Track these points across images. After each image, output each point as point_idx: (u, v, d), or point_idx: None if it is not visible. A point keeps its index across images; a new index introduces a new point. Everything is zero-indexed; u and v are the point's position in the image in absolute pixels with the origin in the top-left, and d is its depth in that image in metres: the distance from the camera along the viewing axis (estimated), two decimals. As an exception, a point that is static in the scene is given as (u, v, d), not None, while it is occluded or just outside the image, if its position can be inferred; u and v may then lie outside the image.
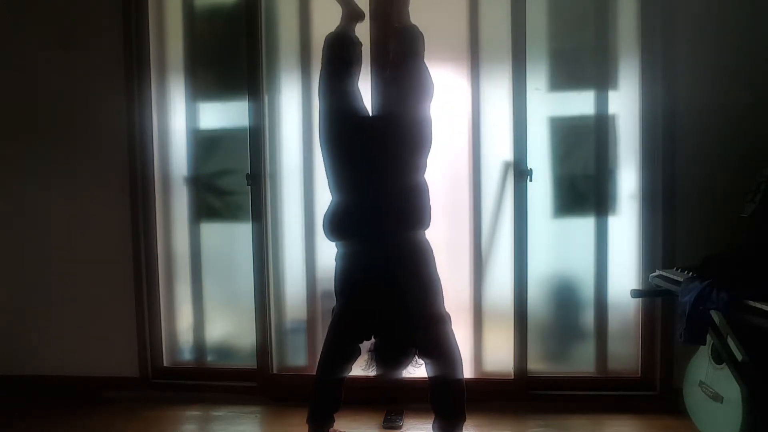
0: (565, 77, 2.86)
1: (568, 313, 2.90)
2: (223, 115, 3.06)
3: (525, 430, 2.58)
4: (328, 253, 2.40)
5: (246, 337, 3.00)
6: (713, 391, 2.16)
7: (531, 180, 2.76)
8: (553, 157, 2.84)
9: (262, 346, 2.93)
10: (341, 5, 2.50)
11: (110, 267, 2.98)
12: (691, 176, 2.64)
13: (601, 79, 2.80)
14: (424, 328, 2.17)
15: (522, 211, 2.76)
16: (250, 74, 2.86)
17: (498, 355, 2.85)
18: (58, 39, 2.95)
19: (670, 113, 2.65)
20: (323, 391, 2.33)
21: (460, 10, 2.81)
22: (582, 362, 2.87)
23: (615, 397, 2.76)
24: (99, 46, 2.93)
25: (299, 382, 2.87)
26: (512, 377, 2.81)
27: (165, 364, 3.06)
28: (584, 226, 2.83)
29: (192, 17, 3.01)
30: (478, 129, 2.82)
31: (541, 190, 2.81)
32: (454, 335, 2.23)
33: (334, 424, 2.39)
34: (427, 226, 2.28)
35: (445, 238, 2.82)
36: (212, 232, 3.08)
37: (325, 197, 2.34)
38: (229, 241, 3.08)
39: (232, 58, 2.95)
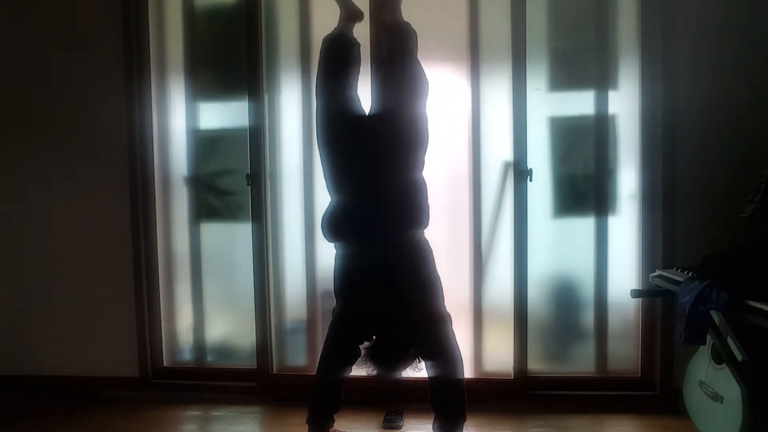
0: (565, 77, 2.86)
1: (568, 313, 2.90)
2: (223, 115, 3.06)
3: (525, 430, 2.58)
4: (328, 253, 2.40)
5: (246, 337, 3.00)
6: (713, 391, 2.16)
7: (531, 180, 2.76)
8: (553, 157, 2.84)
9: (262, 346, 2.93)
10: (339, 5, 2.50)
11: (110, 267, 2.98)
12: (691, 176, 2.64)
13: (601, 79, 2.80)
14: (425, 328, 2.17)
15: (522, 211, 2.76)
16: (250, 74, 2.86)
17: (498, 355, 2.85)
18: (58, 39, 2.95)
19: (670, 113, 2.65)
20: (323, 392, 2.33)
21: (460, 9, 2.81)
22: (582, 362, 2.87)
23: (615, 397, 2.75)
24: (99, 46, 2.93)
25: (299, 382, 2.87)
26: (512, 377, 2.81)
27: (165, 364, 3.06)
28: (584, 226, 2.83)
29: (192, 17, 3.01)
30: (478, 129, 2.82)
31: (541, 190, 2.81)
32: (454, 335, 2.23)
33: (334, 424, 2.39)
34: (426, 225, 2.28)
35: (445, 238, 2.82)
36: (212, 232, 3.08)
37: (325, 197, 2.34)
38: (229, 241, 3.08)
39: (232, 58, 2.95)
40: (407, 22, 2.46)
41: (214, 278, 3.07)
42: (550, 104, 2.84)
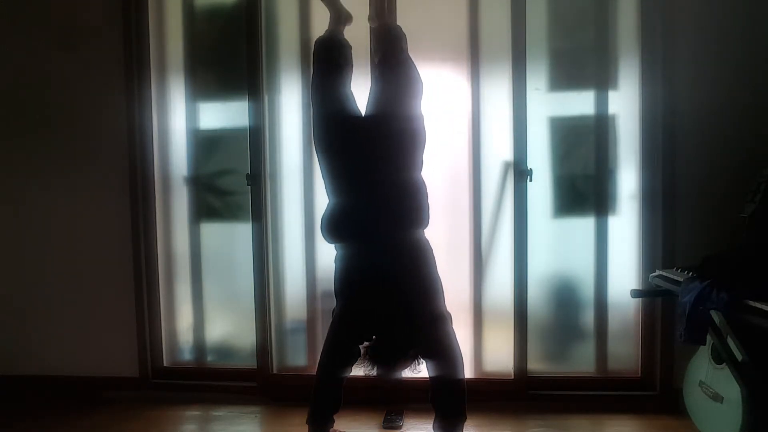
0: (565, 77, 2.86)
1: (568, 313, 2.90)
2: (223, 115, 3.06)
3: (525, 430, 2.58)
4: (328, 253, 2.40)
5: (246, 337, 3.00)
6: (713, 391, 2.16)
7: (531, 180, 2.76)
8: (553, 157, 2.84)
9: (262, 346, 2.93)
10: (328, 8, 2.51)
11: (110, 267, 2.98)
12: (691, 176, 2.64)
13: (601, 79, 2.80)
14: (425, 328, 2.17)
15: (522, 211, 2.76)
16: (250, 74, 2.86)
17: (498, 355, 2.85)
18: (58, 39, 2.95)
19: (670, 113, 2.65)
20: (323, 392, 2.33)
21: (460, 9, 2.81)
22: (582, 362, 2.87)
23: (615, 397, 2.75)
24: (99, 46, 2.93)
25: (299, 382, 2.87)
26: (512, 377, 2.81)
27: (165, 364, 3.06)
28: (584, 226, 2.83)
29: (192, 17, 3.01)
30: (478, 129, 2.82)
31: (541, 190, 2.81)
32: (455, 334, 2.23)
33: (334, 424, 2.39)
34: (426, 224, 2.28)
35: (445, 238, 2.82)
36: (212, 232, 3.08)
37: (325, 197, 2.33)
38: (229, 241, 3.08)
39: (232, 58, 2.95)
40: (398, 25, 2.46)
41: (214, 278, 3.07)
42: (550, 104, 2.84)
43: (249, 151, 2.89)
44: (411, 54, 2.41)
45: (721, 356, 2.12)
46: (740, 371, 2.05)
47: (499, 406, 2.75)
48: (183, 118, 3.02)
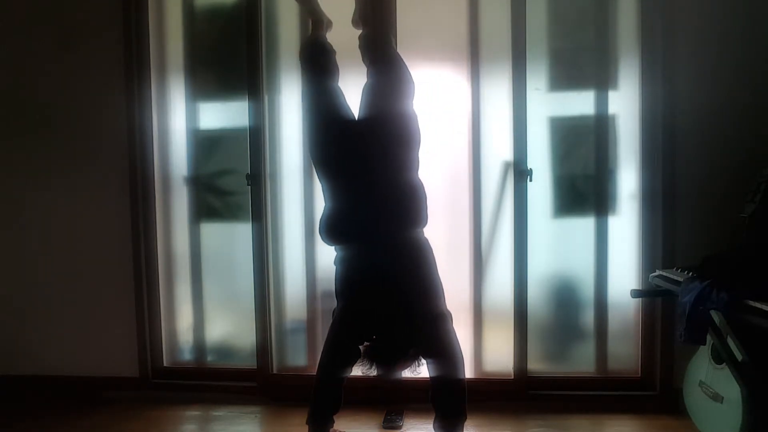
0: (565, 77, 2.86)
1: (568, 313, 2.90)
2: (223, 115, 3.06)
3: (525, 430, 2.58)
4: (328, 253, 2.40)
5: (246, 337, 3.00)
6: (713, 391, 2.16)
7: (531, 180, 2.76)
8: (553, 157, 2.84)
9: (262, 346, 2.93)
10: (307, 14, 2.52)
11: (110, 267, 2.98)
12: (691, 176, 2.64)
13: (601, 79, 2.80)
14: (425, 327, 2.17)
15: (522, 211, 2.76)
16: (250, 74, 2.86)
17: (498, 355, 2.85)
18: (58, 39, 2.95)
19: (670, 113, 2.65)
20: (323, 392, 2.32)
21: (460, 10, 2.81)
22: (582, 362, 2.87)
23: (615, 397, 2.76)
24: (99, 46, 2.93)
25: (299, 382, 2.87)
26: (512, 377, 2.81)
27: (165, 364, 3.06)
28: (584, 226, 2.83)
29: (192, 17, 3.01)
30: (478, 129, 2.82)
31: (541, 190, 2.81)
32: (455, 334, 2.23)
33: (334, 424, 2.39)
34: (425, 223, 2.27)
35: (445, 238, 2.82)
36: (212, 232, 3.08)
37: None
38: (229, 241, 3.08)
39: (232, 58, 2.95)
40: (384, 27, 2.46)
41: (214, 278, 3.07)
42: (550, 104, 2.84)
43: (249, 151, 2.89)
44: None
45: (721, 356, 2.12)
46: (740, 371, 2.05)
47: (499, 406, 2.75)
48: (183, 118, 3.03)
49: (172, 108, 3.03)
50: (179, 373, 3.05)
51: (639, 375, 2.80)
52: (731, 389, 2.06)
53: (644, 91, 2.72)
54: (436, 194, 2.81)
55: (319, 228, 2.31)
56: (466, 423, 2.24)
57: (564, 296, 2.89)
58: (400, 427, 2.61)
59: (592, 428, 2.60)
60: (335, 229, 2.26)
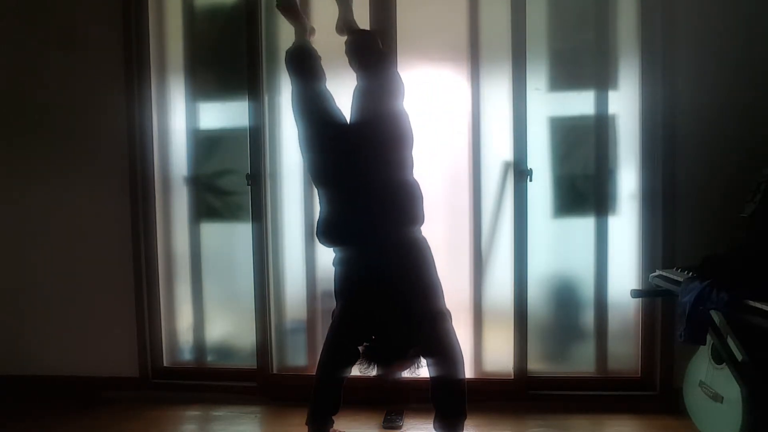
0: (565, 77, 2.86)
1: (568, 313, 2.90)
2: (223, 115, 3.06)
3: (525, 430, 2.58)
4: (327, 252, 2.40)
5: (246, 337, 3.00)
6: (713, 391, 2.16)
7: (531, 180, 2.76)
8: (553, 157, 2.84)
9: (262, 346, 2.93)
10: (291, 23, 2.55)
11: (110, 267, 2.98)
12: (691, 176, 2.64)
13: (601, 79, 2.80)
14: (425, 326, 2.17)
15: (522, 211, 2.76)
16: (250, 74, 2.86)
17: (498, 355, 2.85)
18: (58, 39, 2.95)
19: (670, 113, 2.65)
20: (323, 393, 2.33)
21: (460, 10, 2.81)
22: (582, 362, 2.87)
23: (615, 397, 2.75)
24: (99, 46, 2.93)
25: (299, 382, 2.87)
26: (512, 377, 2.81)
27: (165, 364, 3.06)
28: (584, 226, 2.83)
29: (192, 17, 3.01)
30: (478, 129, 2.82)
31: (541, 190, 2.81)
32: (454, 332, 2.23)
33: (334, 424, 2.39)
34: (421, 222, 2.28)
35: (445, 238, 2.83)
36: (212, 232, 3.08)
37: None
38: (229, 241, 3.08)
39: (232, 58, 2.95)
40: (368, 30, 2.49)
41: (214, 278, 3.07)
42: (550, 104, 2.84)
43: (249, 151, 2.89)
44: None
45: (721, 356, 2.12)
46: (740, 371, 2.05)
47: (499, 406, 2.75)
48: (183, 118, 3.03)
49: (172, 108, 3.03)
50: (179, 373, 3.05)
51: (639, 375, 2.80)
52: (731, 389, 2.06)
53: (644, 91, 2.72)
54: (436, 194, 2.82)
55: (317, 231, 2.32)
56: (466, 422, 2.24)
57: (564, 296, 2.89)
58: (400, 427, 2.61)
59: (592, 428, 2.60)
60: (332, 232, 2.26)
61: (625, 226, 2.80)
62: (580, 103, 2.83)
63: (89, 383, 3.02)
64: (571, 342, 2.90)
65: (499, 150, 2.80)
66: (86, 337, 3.03)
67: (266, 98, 2.89)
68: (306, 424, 2.35)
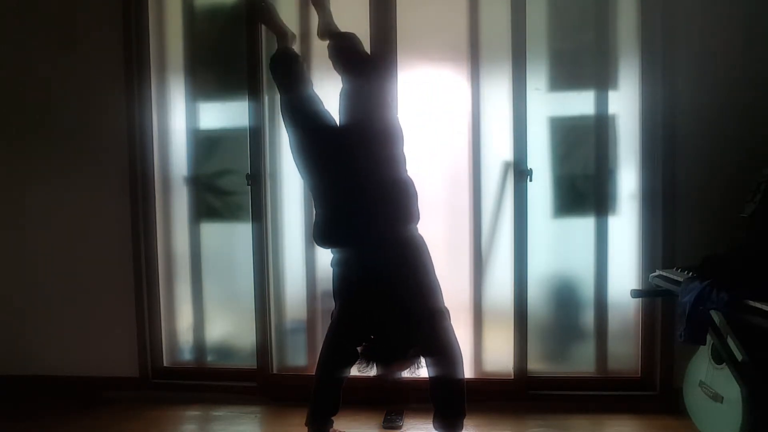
0: (565, 77, 2.86)
1: (568, 313, 2.90)
2: (223, 115, 3.06)
3: (525, 430, 2.58)
4: (327, 253, 2.40)
5: (246, 337, 3.00)
6: (713, 391, 2.16)
7: (531, 180, 2.76)
8: (553, 157, 2.84)
9: (262, 346, 2.93)
10: (272, 30, 2.58)
11: (110, 267, 2.98)
12: (691, 176, 2.64)
13: (601, 79, 2.80)
14: (423, 325, 2.17)
15: (522, 211, 2.76)
16: (250, 74, 2.86)
17: (498, 355, 2.85)
18: (58, 39, 2.95)
19: (670, 113, 2.65)
20: (322, 394, 2.33)
21: (460, 10, 2.81)
22: (582, 362, 2.87)
23: (615, 397, 2.75)
24: (99, 46, 2.93)
25: (299, 382, 2.87)
26: (512, 377, 2.81)
27: (165, 364, 3.06)
28: (584, 226, 2.83)
29: (192, 17, 3.01)
30: (478, 129, 2.82)
31: (541, 190, 2.81)
32: (453, 331, 2.23)
33: (334, 424, 2.39)
34: (417, 220, 2.28)
35: (445, 238, 2.83)
36: (212, 232, 3.08)
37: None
38: (229, 241, 3.08)
39: (232, 58, 2.95)
40: (348, 33, 2.47)
41: (214, 278, 3.07)
42: (550, 104, 2.84)
43: (249, 151, 2.89)
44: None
45: (721, 356, 2.12)
46: (740, 371, 2.05)
47: (499, 406, 2.75)
48: (183, 118, 3.03)
49: (172, 108, 3.03)
50: (179, 373, 3.05)
51: (639, 375, 2.80)
52: (731, 389, 2.06)
53: (644, 91, 2.72)
54: (436, 194, 2.82)
55: (313, 234, 2.33)
56: (465, 422, 2.24)
57: (564, 296, 2.89)
58: (400, 427, 2.61)
59: (592, 428, 2.60)
60: (329, 234, 2.27)
61: (625, 226, 2.79)
62: (580, 103, 2.83)
63: (89, 383, 3.02)
64: (571, 342, 2.90)
65: (499, 150, 2.80)
66: (86, 337, 3.03)
67: (266, 98, 2.89)
68: (306, 424, 2.35)
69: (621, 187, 2.80)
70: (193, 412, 2.85)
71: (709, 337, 2.15)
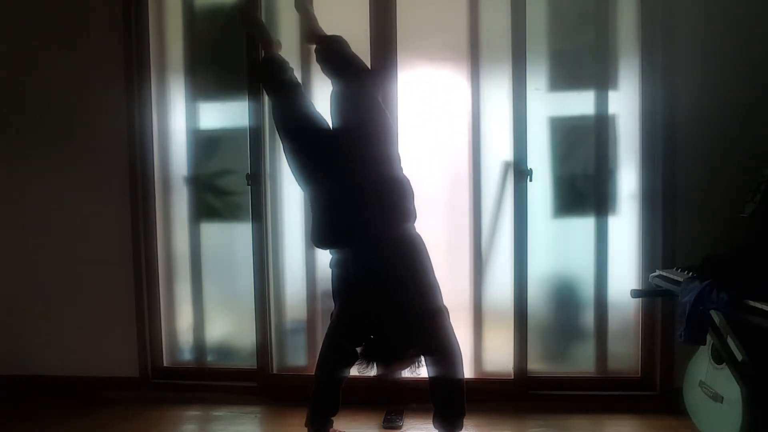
0: (565, 77, 2.86)
1: (568, 313, 2.90)
2: (223, 115, 3.06)
3: (525, 430, 2.58)
4: (327, 253, 2.40)
5: (246, 337, 3.00)
6: (713, 391, 2.16)
7: (531, 180, 2.76)
8: (553, 157, 2.84)
9: (262, 346, 2.93)
10: (257, 38, 2.57)
11: (110, 267, 2.98)
12: (691, 176, 2.64)
13: (601, 79, 2.80)
14: (422, 324, 2.17)
15: (522, 211, 2.76)
16: (250, 74, 2.86)
17: (498, 355, 2.85)
18: (58, 39, 2.95)
19: (670, 113, 2.65)
20: (322, 394, 2.33)
21: (460, 10, 2.81)
22: (582, 362, 2.87)
23: (615, 397, 2.76)
24: (99, 46, 2.93)
25: (299, 382, 2.87)
26: (512, 377, 2.81)
27: (165, 364, 3.06)
28: (584, 226, 2.83)
29: (192, 17, 3.01)
30: (478, 129, 2.82)
31: (541, 190, 2.81)
32: (453, 329, 2.23)
33: (334, 424, 2.39)
34: (414, 218, 2.27)
35: (445, 238, 2.83)
36: (212, 232, 3.08)
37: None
38: (229, 241, 3.08)
39: (232, 58, 2.95)
40: (334, 36, 2.46)
41: (214, 278, 3.07)
42: (550, 104, 2.84)
43: (249, 151, 2.89)
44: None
45: (721, 356, 2.12)
46: (740, 371, 2.05)
47: (499, 406, 2.75)
48: (183, 118, 3.03)
49: (172, 108, 3.03)
50: (179, 373, 3.05)
51: (639, 375, 2.80)
52: (731, 389, 2.06)
53: (644, 91, 2.72)
54: (436, 194, 2.82)
55: (311, 237, 2.33)
56: (465, 422, 2.24)
57: (564, 296, 2.89)
58: (400, 427, 2.61)
59: (592, 428, 2.60)
60: (327, 235, 2.27)
61: (625, 226, 2.79)
62: (580, 103, 2.83)
63: (89, 383, 3.02)
64: (571, 342, 2.90)
65: (499, 150, 2.80)
66: (86, 337, 3.03)
67: (266, 98, 2.88)
68: (306, 425, 2.35)
69: (621, 187, 2.80)
70: (193, 412, 2.85)
71: (709, 337, 2.15)
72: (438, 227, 2.81)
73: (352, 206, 2.20)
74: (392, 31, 2.76)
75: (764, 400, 1.98)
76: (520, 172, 2.76)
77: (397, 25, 2.77)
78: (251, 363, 2.97)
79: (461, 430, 2.25)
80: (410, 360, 2.16)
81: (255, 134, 2.88)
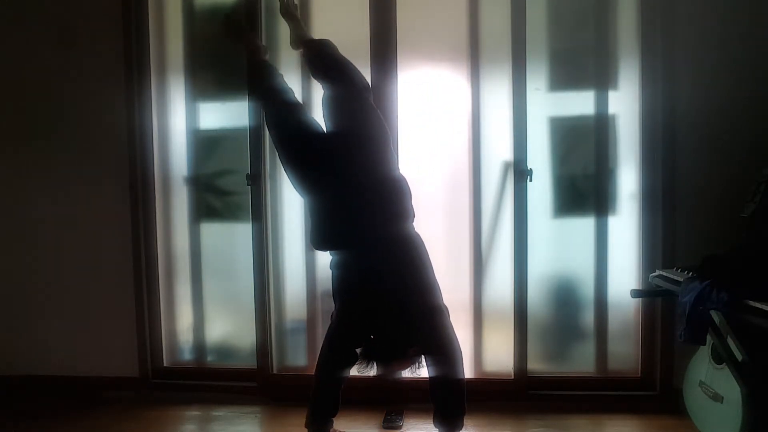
0: (565, 77, 2.86)
1: (568, 313, 2.90)
2: (223, 115, 3.06)
3: (525, 430, 2.58)
4: (327, 253, 2.40)
5: (246, 337, 3.00)
6: (713, 391, 2.16)
7: (531, 180, 2.76)
8: (553, 157, 2.84)
9: (262, 346, 2.93)
10: (246, 45, 2.53)
11: (110, 267, 2.98)
12: (691, 176, 2.64)
13: (601, 79, 2.80)
14: (422, 324, 2.17)
15: (522, 211, 2.76)
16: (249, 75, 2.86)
17: (498, 355, 2.85)
18: (58, 39, 2.95)
19: (670, 113, 2.65)
20: (322, 394, 2.33)
21: (460, 10, 2.81)
22: (582, 362, 2.87)
23: (615, 397, 2.76)
24: (99, 46, 2.93)
25: (299, 382, 2.86)
26: (512, 377, 2.81)
27: (165, 364, 3.06)
28: (584, 226, 2.83)
29: (192, 17, 3.01)
30: (478, 129, 2.82)
31: (541, 190, 2.81)
32: (453, 328, 2.23)
33: (334, 425, 2.39)
34: (412, 218, 2.27)
35: (445, 238, 2.83)
36: (212, 232, 3.08)
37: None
38: (229, 241, 3.08)
39: (232, 58, 2.95)
40: (321, 39, 2.46)
41: (214, 278, 3.07)
42: (550, 104, 2.84)
43: (249, 151, 2.89)
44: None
45: (721, 356, 2.12)
46: (740, 371, 2.05)
47: (499, 406, 2.75)
48: (183, 118, 3.02)
49: (172, 108, 3.03)
50: (179, 373, 3.05)
51: (639, 375, 2.80)
52: (731, 389, 2.06)
53: (644, 91, 2.72)
54: (436, 194, 2.82)
55: (311, 240, 2.33)
56: (465, 421, 2.24)
57: (564, 296, 2.89)
58: (400, 427, 2.61)
59: (592, 428, 2.60)
60: (326, 237, 2.27)
61: (625, 226, 2.80)
62: (580, 103, 2.83)
63: (89, 383, 3.02)
64: (571, 342, 2.90)
65: (499, 150, 2.80)
66: (86, 337, 3.03)
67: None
68: (305, 425, 2.35)
69: (621, 187, 2.80)
70: (193, 412, 2.85)
71: (709, 337, 2.15)
72: (438, 227, 2.81)
73: (351, 208, 2.20)
74: (392, 31, 2.76)
75: (764, 400, 1.98)
76: (520, 172, 2.76)
77: (397, 26, 2.76)
78: (251, 363, 2.97)
79: (461, 429, 2.25)
80: (410, 360, 2.16)
81: (255, 134, 2.88)
